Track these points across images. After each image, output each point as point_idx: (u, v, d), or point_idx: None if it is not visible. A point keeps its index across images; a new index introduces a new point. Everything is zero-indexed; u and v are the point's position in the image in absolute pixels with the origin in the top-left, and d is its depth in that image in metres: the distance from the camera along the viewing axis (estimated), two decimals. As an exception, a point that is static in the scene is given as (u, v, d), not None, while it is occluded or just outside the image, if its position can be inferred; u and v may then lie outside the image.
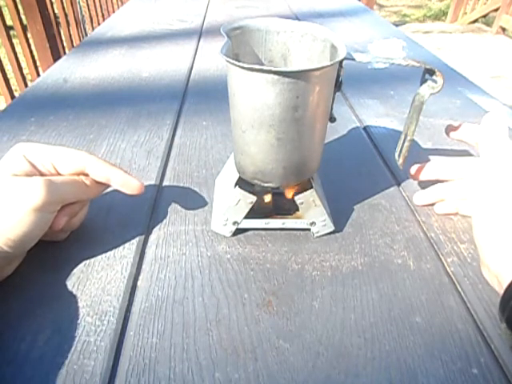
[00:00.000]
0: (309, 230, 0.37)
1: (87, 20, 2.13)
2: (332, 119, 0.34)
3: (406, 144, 0.37)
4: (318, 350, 0.28)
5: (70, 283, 0.32)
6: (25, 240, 0.29)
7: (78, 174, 0.33)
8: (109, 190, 0.41)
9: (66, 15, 1.87)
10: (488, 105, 0.63)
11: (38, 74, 1.61)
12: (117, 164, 0.46)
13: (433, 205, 0.41)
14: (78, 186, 0.32)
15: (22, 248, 0.30)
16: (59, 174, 0.33)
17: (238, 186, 0.35)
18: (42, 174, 0.32)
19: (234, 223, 0.36)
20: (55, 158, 0.32)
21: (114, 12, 2.19)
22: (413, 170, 0.42)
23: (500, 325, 0.29)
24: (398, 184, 0.45)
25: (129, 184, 0.34)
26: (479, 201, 0.32)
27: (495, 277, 0.30)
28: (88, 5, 2.09)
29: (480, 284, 0.33)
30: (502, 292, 0.28)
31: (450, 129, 0.41)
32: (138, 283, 0.32)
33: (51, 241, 0.35)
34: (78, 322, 0.29)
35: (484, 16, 3.89)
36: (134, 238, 0.36)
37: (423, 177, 0.41)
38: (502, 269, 0.29)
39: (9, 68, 1.54)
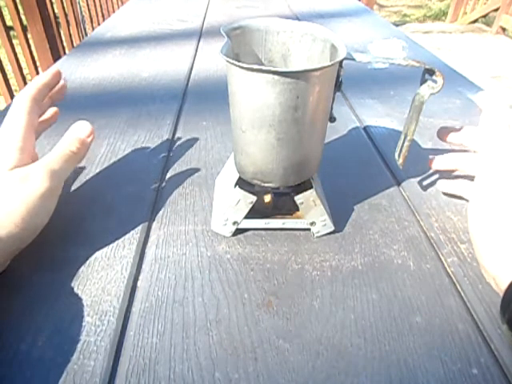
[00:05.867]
0: (309, 229, 0.37)
1: (87, 20, 2.13)
2: (332, 119, 0.34)
3: (406, 144, 0.37)
4: (317, 349, 0.28)
5: (70, 283, 0.32)
6: (37, 221, 0.32)
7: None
8: (109, 190, 0.42)
9: (66, 15, 1.87)
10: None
11: (38, 74, 1.61)
12: (117, 164, 0.46)
13: (432, 205, 0.41)
14: (70, 157, 0.34)
15: (36, 229, 0.32)
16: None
17: (237, 186, 0.35)
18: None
19: (234, 223, 0.36)
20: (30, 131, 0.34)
21: (114, 12, 2.19)
22: (434, 161, 0.41)
23: (501, 326, 0.29)
24: (398, 184, 0.45)
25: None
26: (473, 200, 0.32)
27: (493, 279, 0.30)
28: (88, 5, 2.09)
29: (480, 284, 0.33)
30: (501, 293, 0.28)
31: (443, 132, 0.40)
32: (138, 283, 0.32)
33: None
34: (78, 322, 0.29)
35: (484, 16, 3.89)
36: (134, 238, 0.36)
37: (442, 166, 0.41)
38: (499, 271, 0.28)
39: (9, 68, 1.54)
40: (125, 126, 0.55)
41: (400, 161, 0.38)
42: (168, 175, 0.45)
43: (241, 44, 0.34)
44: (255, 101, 0.29)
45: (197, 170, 0.46)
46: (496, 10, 3.68)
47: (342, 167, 0.47)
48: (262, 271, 0.34)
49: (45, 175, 0.31)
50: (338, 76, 0.31)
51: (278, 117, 0.29)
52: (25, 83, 1.58)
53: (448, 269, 0.34)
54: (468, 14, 3.97)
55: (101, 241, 0.36)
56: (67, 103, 0.60)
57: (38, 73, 1.62)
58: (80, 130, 0.36)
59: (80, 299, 0.31)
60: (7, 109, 0.59)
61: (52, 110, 0.42)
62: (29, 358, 0.27)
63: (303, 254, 0.35)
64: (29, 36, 1.58)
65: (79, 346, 0.27)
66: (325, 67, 0.27)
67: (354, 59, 0.30)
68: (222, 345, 0.28)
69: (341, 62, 0.30)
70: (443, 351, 0.28)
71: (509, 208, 0.29)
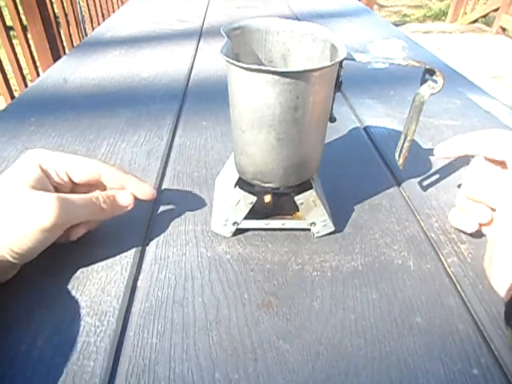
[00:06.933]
0: (309, 230, 0.37)
1: (87, 20, 2.13)
2: (332, 119, 0.34)
3: (406, 144, 0.36)
4: (318, 350, 0.28)
5: (70, 284, 0.32)
6: (28, 253, 0.29)
7: (93, 183, 0.34)
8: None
9: (66, 15, 1.87)
10: (488, 105, 0.63)
11: (38, 74, 1.61)
12: (116, 164, 0.46)
13: (433, 205, 0.41)
14: (94, 208, 0.32)
15: (25, 259, 0.30)
16: (73, 183, 0.33)
17: (238, 187, 0.34)
18: (55, 183, 0.32)
19: (234, 223, 0.36)
20: (70, 166, 0.32)
21: (114, 12, 2.19)
22: (438, 148, 0.37)
23: (505, 332, 0.29)
24: (398, 184, 0.44)
25: (142, 190, 0.35)
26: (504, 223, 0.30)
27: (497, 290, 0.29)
28: (88, 5, 2.09)
29: (480, 284, 0.33)
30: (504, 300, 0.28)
31: (441, 150, 0.37)
32: (138, 284, 0.32)
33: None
34: (78, 322, 0.29)
35: (484, 16, 3.89)
36: (134, 238, 0.36)
37: (450, 153, 0.37)
38: (502, 281, 0.28)
39: (9, 68, 1.54)
40: (125, 126, 0.54)
41: (400, 161, 0.38)
42: (168, 175, 0.45)
43: (241, 44, 0.34)
44: (255, 101, 0.29)
45: (197, 170, 0.46)
46: (496, 9, 3.67)
47: (342, 167, 0.47)
48: (261, 272, 0.34)
49: (55, 210, 0.28)
50: (338, 76, 0.31)
51: (277, 117, 0.29)
52: (25, 83, 1.58)
53: (448, 269, 0.34)
54: (468, 14, 3.96)
55: (101, 241, 0.36)
56: (67, 103, 0.60)
57: (37, 73, 1.62)
58: (121, 196, 0.34)
59: (80, 300, 0.31)
60: (7, 109, 0.59)
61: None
62: (29, 358, 0.26)
63: (303, 255, 0.35)
64: (29, 36, 1.58)
65: (79, 346, 0.27)
66: (325, 67, 0.27)
67: (354, 59, 0.30)
68: (222, 345, 0.28)
69: (341, 62, 0.30)
70: (443, 351, 0.28)
71: None
